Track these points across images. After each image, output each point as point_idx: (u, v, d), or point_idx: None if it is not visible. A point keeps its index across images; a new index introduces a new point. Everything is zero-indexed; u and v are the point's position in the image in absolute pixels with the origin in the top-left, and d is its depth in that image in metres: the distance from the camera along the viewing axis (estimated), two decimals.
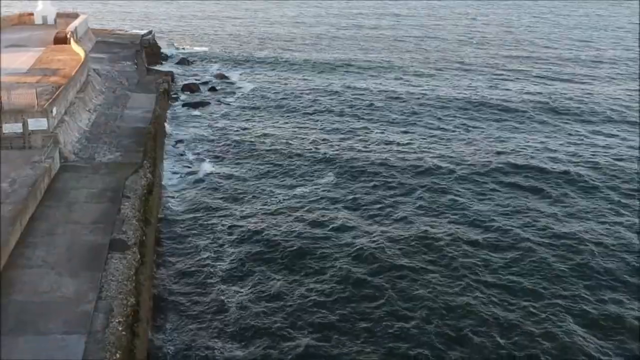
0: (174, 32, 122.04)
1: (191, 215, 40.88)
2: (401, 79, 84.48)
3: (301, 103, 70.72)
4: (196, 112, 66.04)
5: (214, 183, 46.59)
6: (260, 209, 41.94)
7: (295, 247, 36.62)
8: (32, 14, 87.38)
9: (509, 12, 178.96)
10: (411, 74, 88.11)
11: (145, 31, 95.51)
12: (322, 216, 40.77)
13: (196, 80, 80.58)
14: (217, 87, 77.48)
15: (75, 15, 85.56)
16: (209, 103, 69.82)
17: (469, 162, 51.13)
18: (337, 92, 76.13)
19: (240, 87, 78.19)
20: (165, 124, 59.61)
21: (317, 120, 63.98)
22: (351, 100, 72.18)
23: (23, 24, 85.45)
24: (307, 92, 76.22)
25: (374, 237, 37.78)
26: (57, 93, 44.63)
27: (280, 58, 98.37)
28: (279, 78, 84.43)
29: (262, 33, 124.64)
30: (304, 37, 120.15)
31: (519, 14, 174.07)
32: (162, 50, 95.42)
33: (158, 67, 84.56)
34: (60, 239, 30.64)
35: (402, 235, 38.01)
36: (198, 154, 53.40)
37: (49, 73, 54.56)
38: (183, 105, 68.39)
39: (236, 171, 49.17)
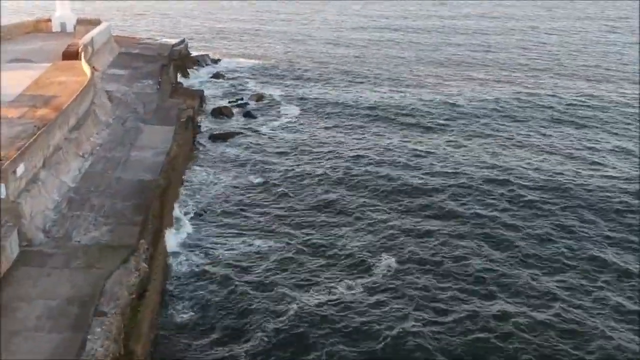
0: (210, 41, 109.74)
1: (204, 339, 27.62)
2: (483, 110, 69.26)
3: (357, 135, 57.68)
4: (227, 149, 53.18)
5: (242, 270, 33.26)
6: (304, 323, 28.79)
7: None
8: (49, 20, 76.66)
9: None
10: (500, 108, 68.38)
11: (176, 40, 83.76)
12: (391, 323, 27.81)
13: (230, 102, 68.20)
14: (256, 112, 64.97)
15: (98, 22, 74.34)
16: (243, 134, 57.37)
17: None
18: (397, 117, 63.00)
19: (283, 112, 65.36)
20: (185, 171, 47.46)
21: (383, 163, 50.21)
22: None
23: (39, 32, 74.84)
24: (364, 117, 63.68)
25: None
26: (30, 141, 32.80)
27: (328, 71, 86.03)
28: (328, 97, 71.69)
29: (308, 43, 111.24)
30: (351, 48, 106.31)
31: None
32: (194, 63, 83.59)
33: (187, 84, 72.94)
34: None
35: None
36: (222, 217, 40.10)
37: (40, 103, 42.90)
38: (210, 138, 55.86)
39: (277, 249, 35.60)
